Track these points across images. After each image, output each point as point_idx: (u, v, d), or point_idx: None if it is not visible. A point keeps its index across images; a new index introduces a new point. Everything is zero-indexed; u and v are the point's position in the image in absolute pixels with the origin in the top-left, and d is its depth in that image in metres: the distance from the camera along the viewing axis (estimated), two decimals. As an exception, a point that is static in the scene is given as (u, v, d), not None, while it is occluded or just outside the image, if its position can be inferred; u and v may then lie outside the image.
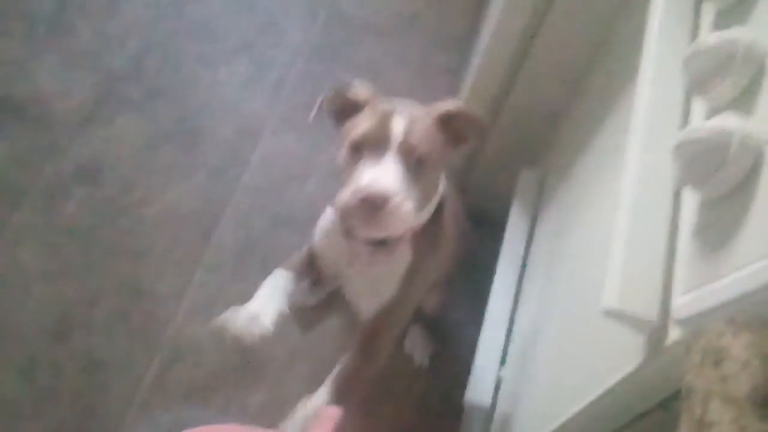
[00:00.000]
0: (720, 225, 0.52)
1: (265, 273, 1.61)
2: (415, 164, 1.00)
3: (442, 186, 1.14)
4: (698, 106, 0.64)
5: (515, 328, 1.31)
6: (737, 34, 0.57)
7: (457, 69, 2.00)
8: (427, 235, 1.13)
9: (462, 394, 1.27)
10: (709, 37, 0.58)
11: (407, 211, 0.99)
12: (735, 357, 0.43)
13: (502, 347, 1.30)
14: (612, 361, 0.71)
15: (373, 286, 1.18)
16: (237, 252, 1.66)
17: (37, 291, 1.56)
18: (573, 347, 0.93)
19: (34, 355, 1.49)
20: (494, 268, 1.39)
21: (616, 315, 0.61)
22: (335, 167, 1.73)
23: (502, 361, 1.29)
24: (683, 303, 0.54)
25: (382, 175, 0.97)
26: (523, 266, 1.37)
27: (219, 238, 1.68)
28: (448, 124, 1.06)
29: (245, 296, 1.57)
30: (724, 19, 0.66)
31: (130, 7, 2.02)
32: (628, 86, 0.91)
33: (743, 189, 0.52)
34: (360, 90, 1.09)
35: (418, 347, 1.59)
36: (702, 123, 0.54)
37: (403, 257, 1.14)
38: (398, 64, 2.02)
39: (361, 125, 1.02)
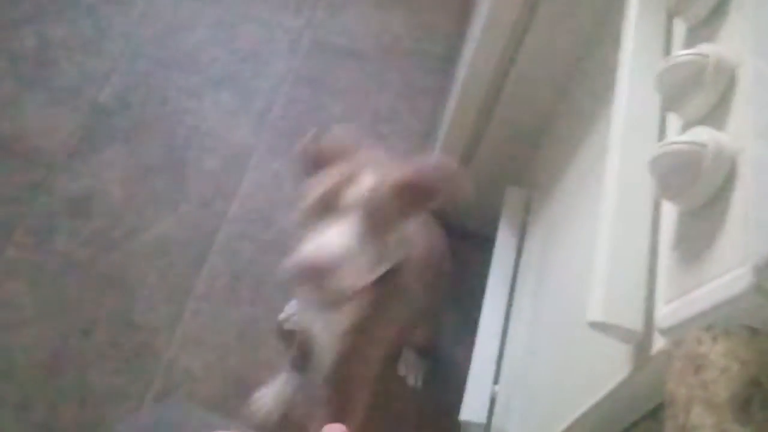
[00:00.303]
0: (698, 235, 0.54)
1: (256, 300, 1.63)
2: (371, 226, 0.98)
3: (410, 236, 1.11)
4: (673, 121, 0.66)
5: (507, 345, 1.32)
6: (707, 49, 0.59)
7: (440, 90, 2.02)
8: (387, 286, 1.10)
9: (458, 413, 1.28)
10: (680, 53, 0.60)
11: (352, 278, 0.98)
12: (714, 363, 0.44)
13: (495, 364, 1.31)
14: (601, 373, 0.72)
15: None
16: (228, 280, 1.67)
17: (29, 326, 1.56)
18: (563, 361, 0.94)
19: (28, 391, 1.48)
20: (484, 286, 1.40)
21: (601, 327, 0.63)
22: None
23: (496, 378, 1.30)
24: (666, 313, 0.56)
25: (327, 244, 0.95)
26: (513, 283, 1.39)
27: (210, 267, 1.68)
28: (421, 181, 1.02)
29: (238, 324, 1.59)
30: (694, 36, 0.68)
31: (112, 41, 2.03)
32: (607, 103, 0.93)
33: (718, 200, 0.53)
34: (336, 139, 1.06)
35: (411, 369, 1.59)
36: (676, 137, 0.55)
37: (360, 309, 1.14)
38: (382, 88, 2.05)
39: (320, 185, 0.99)
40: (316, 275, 0.95)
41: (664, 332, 0.56)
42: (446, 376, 1.59)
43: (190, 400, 1.50)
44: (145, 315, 1.60)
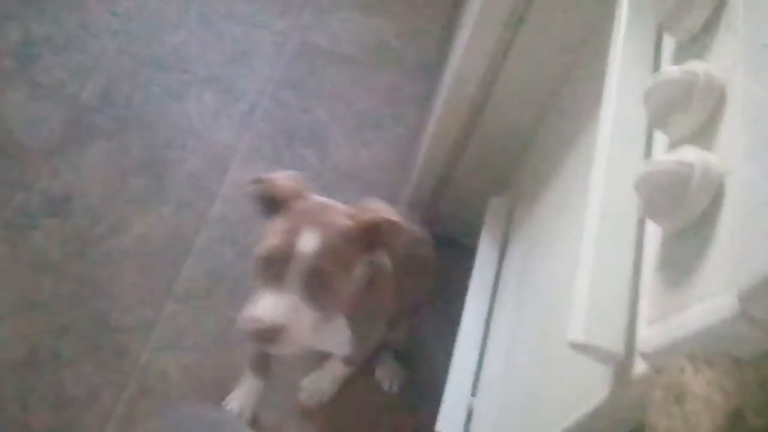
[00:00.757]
0: (682, 257, 0.53)
1: (234, 304, 1.61)
2: (318, 286, 1.00)
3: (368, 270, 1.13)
4: (660, 139, 0.65)
5: (486, 357, 1.31)
6: (697, 66, 0.58)
7: (425, 97, 2.01)
8: (363, 309, 1.15)
9: (434, 423, 1.27)
10: (668, 70, 0.59)
11: (300, 337, 1.02)
12: (697, 393, 0.43)
13: (472, 377, 1.30)
14: (580, 393, 0.71)
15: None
16: (207, 283, 1.65)
17: (4, 324, 1.53)
18: (541, 378, 0.93)
19: (2, 389, 1.46)
20: (463, 294, 1.39)
21: (582, 348, 0.62)
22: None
23: (474, 391, 1.29)
24: (647, 336, 0.55)
25: (275, 306, 0.99)
26: (494, 294, 1.38)
27: (189, 269, 1.66)
28: (367, 231, 1.05)
29: (215, 327, 1.58)
30: (684, 53, 0.67)
31: (97, 38, 2.01)
32: (592, 119, 0.92)
33: (704, 222, 0.52)
34: (283, 183, 1.07)
35: (387, 374, 1.58)
36: (663, 156, 0.54)
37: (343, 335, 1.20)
38: (367, 94, 2.03)
39: (271, 238, 1.01)
40: (264, 339, 1.00)
41: (645, 356, 0.55)
42: (424, 384, 1.58)
43: (166, 402, 1.48)
44: (122, 316, 1.58)
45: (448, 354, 1.34)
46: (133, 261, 1.65)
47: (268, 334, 0.99)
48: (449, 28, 2.11)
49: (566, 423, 0.71)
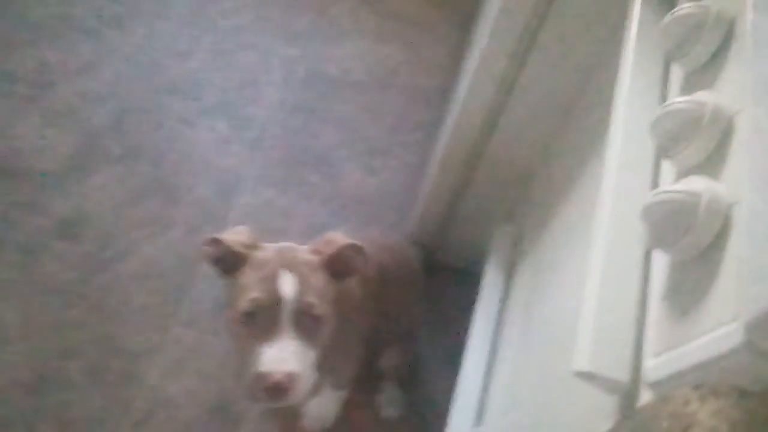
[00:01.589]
0: (689, 287, 0.53)
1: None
2: (311, 324, 1.00)
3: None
4: (667, 169, 0.65)
5: (491, 386, 1.30)
6: (704, 97, 0.58)
7: (433, 125, 2.02)
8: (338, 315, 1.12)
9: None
10: (676, 100, 0.60)
11: (310, 377, 1.01)
12: (703, 424, 0.43)
13: (476, 407, 1.29)
14: (584, 423, 0.71)
15: None
16: (212, 309, 1.65)
17: (13, 345, 1.54)
18: (547, 408, 0.92)
19: (8, 410, 1.46)
20: (468, 322, 1.39)
21: (587, 377, 0.62)
22: (312, 225, 1.76)
23: (478, 420, 1.28)
24: (654, 366, 0.55)
25: (282, 356, 0.97)
26: (499, 322, 1.37)
27: (195, 294, 1.67)
28: (332, 262, 1.06)
29: (220, 352, 1.57)
30: (692, 82, 0.67)
31: (110, 65, 2.04)
32: (598, 148, 0.93)
33: (711, 252, 0.52)
34: (236, 239, 1.05)
35: (388, 401, 1.57)
36: (670, 185, 0.55)
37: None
38: (375, 120, 2.05)
39: (248, 291, 0.99)
40: (280, 392, 0.97)
41: (651, 386, 0.55)
42: (426, 411, 1.58)
43: (170, 427, 1.48)
44: (129, 339, 1.58)
45: (450, 381, 1.34)
46: (141, 284, 1.66)
47: (283, 387, 0.96)
48: (457, 57, 2.13)
49: (573, 453, 0.71)
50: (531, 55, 1.20)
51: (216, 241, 1.04)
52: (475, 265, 1.62)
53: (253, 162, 1.92)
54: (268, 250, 1.06)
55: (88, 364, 1.54)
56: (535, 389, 1.02)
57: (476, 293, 1.43)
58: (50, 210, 1.74)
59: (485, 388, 1.29)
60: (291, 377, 0.96)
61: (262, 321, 0.98)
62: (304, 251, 1.07)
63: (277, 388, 0.96)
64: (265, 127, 1.99)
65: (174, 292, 1.66)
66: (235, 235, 1.07)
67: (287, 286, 0.98)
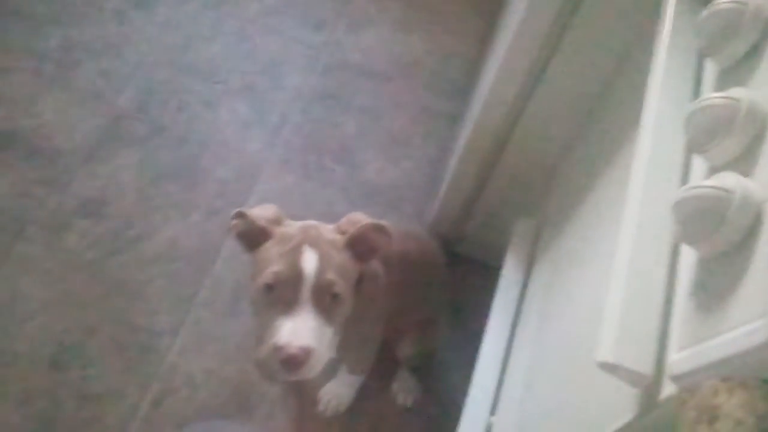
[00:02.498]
0: (718, 283, 0.53)
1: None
2: (330, 301, 1.01)
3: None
4: (698, 164, 0.65)
5: (507, 376, 1.31)
6: (740, 93, 0.58)
7: (455, 116, 2.03)
8: (351, 313, 1.12)
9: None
10: (711, 96, 0.60)
11: (325, 354, 1.02)
12: (729, 415, 0.43)
13: (492, 395, 1.30)
14: (605, 414, 0.71)
15: None
16: (232, 291, 1.67)
17: (36, 320, 1.57)
18: (564, 398, 0.93)
19: (30, 384, 1.49)
20: (487, 314, 1.40)
21: (610, 368, 0.62)
22: (331, 213, 1.77)
23: (493, 409, 1.29)
24: (678, 359, 0.55)
25: (299, 330, 0.98)
26: (517, 314, 1.38)
27: (215, 276, 1.68)
28: (356, 241, 1.07)
29: (238, 334, 1.59)
30: (726, 79, 0.67)
31: (135, 46, 2.05)
32: (626, 143, 0.93)
33: (742, 248, 0.52)
34: (262, 214, 1.08)
35: (403, 389, 1.59)
36: (702, 181, 0.55)
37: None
38: (397, 110, 2.05)
39: (271, 264, 1.00)
40: (295, 365, 0.98)
41: (675, 379, 0.55)
42: (441, 400, 1.59)
43: (188, 405, 1.50)
44: (149, 318, 1.60)
45: (466, 372, 1.34)
46: (162, 265, 1.68)
47: (299, 360, 0.97)
48: (482, 48, 2.13)
49: (591, 443, 0.71)
50: (560, 48, 1.20)
51: (243, 215, 1.06)
52: (492, 258, 1.63)
53: (273, 147, 1.93)
54: (293, 226, 1.08)
55: (109, 341, 1.56)
56: (552, 380, 1.03)
57: (492, 285, 1.44)
58: (73, 189, 1.77)
59: (501, 379, 1.30)
60: (306, 351, 0.98)
61: (281, 295, 1.00)
62: (328, 230, 1.08)
63: (292, 361, 0.98)
64: (287, 113, 2.00)
65: (194, 273, 1.68)
66: (261, 211, 1.09)
67: (309, 262, 1.00)
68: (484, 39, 2.17)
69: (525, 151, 1.43)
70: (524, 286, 1.41)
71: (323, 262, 1.00)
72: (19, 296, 1.59)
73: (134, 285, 1.64)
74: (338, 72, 2.12)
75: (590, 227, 1.04)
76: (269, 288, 1.00)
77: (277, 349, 0.98)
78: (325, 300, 1.01)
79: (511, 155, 1.45)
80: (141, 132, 1.89)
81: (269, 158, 1.91)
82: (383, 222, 1.08)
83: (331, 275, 1.00)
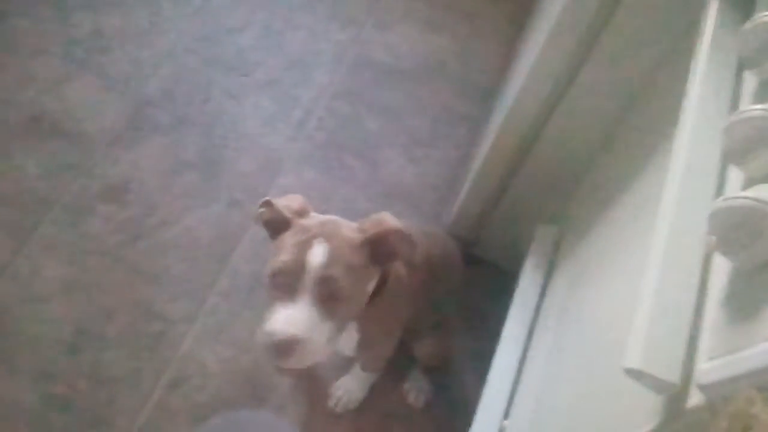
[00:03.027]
0: (752, 294, 0.53)
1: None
2: (329, 298, 1.01)
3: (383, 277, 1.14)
4: (734, 175, 0.65)
5: (522, 381, 1.31)
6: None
7: (478, 119, 2.03)
8: (373, 313, 1.13)
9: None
10: (751, 107, 0.60)
11: (316, 349, 1.01)
12: (764, 425, 0.44)
13: (507, 398, 1.30)
14: (626, 422, 0.71)
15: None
16: (249, 282, 1.68)
17: (55, 302, 1.58)
18: (585, 404, 0.93)
19: (48, 363, 1.51)
20: (502, 318, 1.40)
21: (637, 375, 0.62)
22: (350, 209, 1.78)
23: (506, 413, 1.29)
24: (708, 369, 0.55)
25: (291, 319, 0.99)
26: (534, 319, 1.38)
27: (233, 266, 1.69)
28: (376, 243, 1.06)
29: (253, 325, 1.60)
30: (766, 91, 0.67)
31: (165, 35, 2.07)
32: (659, 151, 0.93)
33: (777, 261, 0.53)
34: (288, 205, 1.09)
35: (414, 388, 1.59)
36: (740, 192, 0.55)
37: (351, 337, 1.19)
38: (420, 111, 2.06)
39: (282, 253, 1.02)
40: (281, 352, 0.99)
41: (704, 388, 0.55)
42: (453, 403, 1.59)
43: (201, 393, 1.51)
44: (166, 305, 1.61)
45: (476, 375, 1.35)
46: (182, 253, 1.69)
47: (285, 348, 0.99)
48: (509, 52, 2.13)
49: (611, 450, 0.71)
50: (593, 54, 1.20)
51: (269, 204, 1.08)
52: (509, 262, 1.63)
53: (295, 142, 1.94)
54: (314, 219, 1.08)
55: (126, 326, 1.58)
56: (569, 386, 1.03)
57: (506, 289, 1.44)
58: (98, 173, 1.78)
59: (515, 382, 1.30)
60: (294, 340, 0.98)
61: (284, 283, 1.01)
62: (349, 227, 1.08)
63: (278, 349, 0.99)
64: (311, 109, 2.01)
65: (213, 263, 1.69)
66: (288, 201, 1.10)
67: (315, 255, 1.00)
68: (512, 43, 2.17)
69: (550, 157, 1.43)
70: (543, 290, 1.41)
71: (331, 257, 1.01)
72: (40, 277, 1.61)
73: (153, 272, 1.65)
74: (363, 70, 2.12)
75: (618, 235, 1.04)
76: (275, 276, 1.02)
77: (267, 335, 1.00)
78: (325, 294, 1.01)
79: (536, 159, 1.45)
80: (166, 120, 1.90)
81: (291, 153, 1.92)
82: (408, 229, 1.08)
83: (335, 271, 1.00)
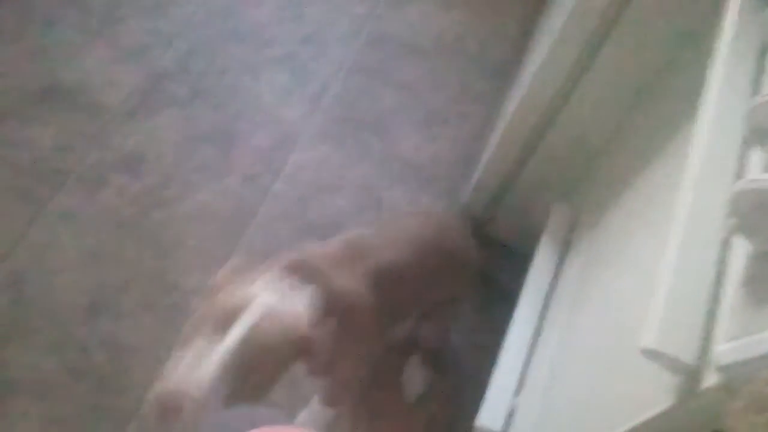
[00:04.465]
0: (771, 277, 0.54)
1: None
2: (244, 364, 0.88)
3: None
4: (756, 157, 0.65)
5: (534, 359, 1.31)
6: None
7: (494, 97, 2.01)
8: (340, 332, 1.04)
9: (468, 424, 1.28)
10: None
11: (206, 412, 0.84)
12: (782, 406, 0.44)
13: (519, 375, 1.31)
14: (640, 401, 0.71)
15: None
16: (262, 256, 1.67)
17: (70, 273, 1.59)
18: (597, 383, 0.93)
19: (64, 333, 1.52)
20: (514, 298, 1.40)
21: (653, 355, 0.62)
22: (364, 185, 1.77)
23: (518, 390, 1.30)
24: (725, 350, 0.55)
25: (188, 378, 0.85)
26: (548, 298, 1.38)
27: (246, 240, 1.70)
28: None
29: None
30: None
31: (181, 6, 2.06)
32: (679, 133, 0.92)
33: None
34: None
35: (415, 375, 1.57)
36: (762, 174, 0.55)
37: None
38: (436, 87, 2.05)
39: (213, 301, 0.93)
40: (170, 414, 0.84)
41: (721, 369, 0.55)
42: (459, 385, 1.58)
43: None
44: (180, 277, 1.62)
45: (481, 361, 1.34)
46: (196, 226, 1.69)
47: (177, 409, 0.83)
48: (527, 30, 2.11)
49: (624, 428, 0.72)
50: (612, 33, 1.19)
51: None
52: (521, 242, 1.62)
53: (311, 117, 1.93)
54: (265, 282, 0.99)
55: (141, 296, 1.59)
56: (582, 366, 1.03)
57: (519, 269, 1.44)
58: (114, 144, 1.78)
59: (528, 360, 1.30)
60: (189, 398, 0.84)
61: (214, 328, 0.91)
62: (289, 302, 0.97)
63: (170, 406, 0.85)
64: (327, 84, 2.00)
65: (227, 236, 1.69)
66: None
67: (251, 310, 0.91)
68: (530, 20, 2.14)
69: (569, 135, 1.42)
70: (557, 270, 1.40)
71: (264, 319, 0.90)
72: (56, 247, 1.62)
73: (168, 243, 1.66)
74: (380, 45, 2.11)
75: (635, 216, 1.04)
76: (204, 317, 0.94)
77: (167, 383, 0.86)
78: (247, 357, 0.88)
79: (554, 137, 1.44)
80: (182, 93, 1.90)
81: (307, 127, 1.91)
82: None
83: (263, 336, 0.89)
